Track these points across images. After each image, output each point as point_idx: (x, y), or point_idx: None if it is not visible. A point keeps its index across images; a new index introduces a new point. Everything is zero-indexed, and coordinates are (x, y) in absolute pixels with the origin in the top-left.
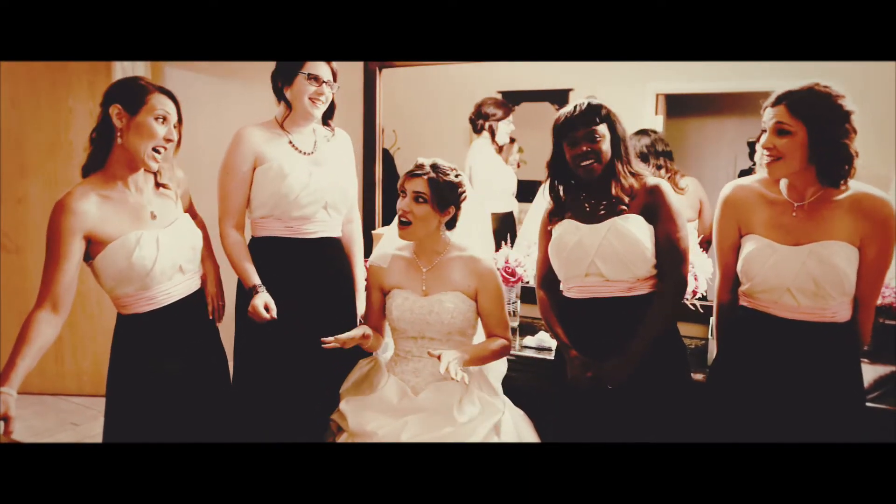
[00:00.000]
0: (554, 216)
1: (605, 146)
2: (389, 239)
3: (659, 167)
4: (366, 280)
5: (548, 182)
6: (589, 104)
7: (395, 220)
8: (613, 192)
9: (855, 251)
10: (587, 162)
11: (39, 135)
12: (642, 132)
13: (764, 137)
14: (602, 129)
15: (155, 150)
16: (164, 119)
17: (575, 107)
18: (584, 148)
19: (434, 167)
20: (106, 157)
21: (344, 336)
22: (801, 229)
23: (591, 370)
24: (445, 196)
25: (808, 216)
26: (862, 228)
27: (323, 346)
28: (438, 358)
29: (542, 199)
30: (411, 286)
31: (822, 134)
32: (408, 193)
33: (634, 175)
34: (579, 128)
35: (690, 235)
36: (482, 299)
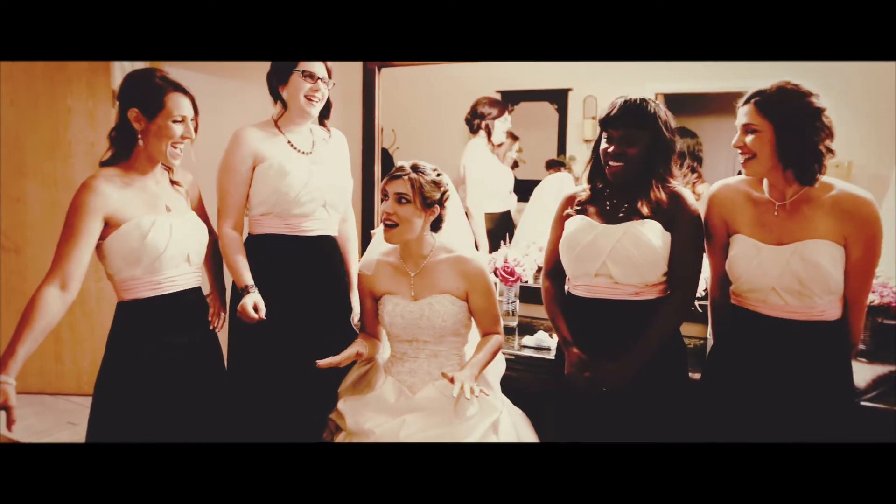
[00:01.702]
0: (580, 205)
1: (640, 152)
2: (376, 244)
3: (693, 170)
4: (357, 287)
5: (589, 167)
6: (638, 102)
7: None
8: (641, 207)
9: (840, 250)
10: (615, 163)
11: (38, 134)
12: (683, 131)
13: (736, 136)
14: (642, 133)
15: (174, 145)
16: (182, 120)
17: (625, 101)
18: (616, 149)
19: (414, 168)
20: (129, 153)
21: (338, 357)
22: (783, 228)
23: (589, 370)
24: (428, 195)
25: (790, 215)
26: (845, 228)
27: (318, 366)
28: (451, 380)
29: (537, 199)
30: (400, 291)
31: (788, 131)
32: (390, 196)
33: (667, 189)
34: (618, 125)
35: None
36: (474, 299)
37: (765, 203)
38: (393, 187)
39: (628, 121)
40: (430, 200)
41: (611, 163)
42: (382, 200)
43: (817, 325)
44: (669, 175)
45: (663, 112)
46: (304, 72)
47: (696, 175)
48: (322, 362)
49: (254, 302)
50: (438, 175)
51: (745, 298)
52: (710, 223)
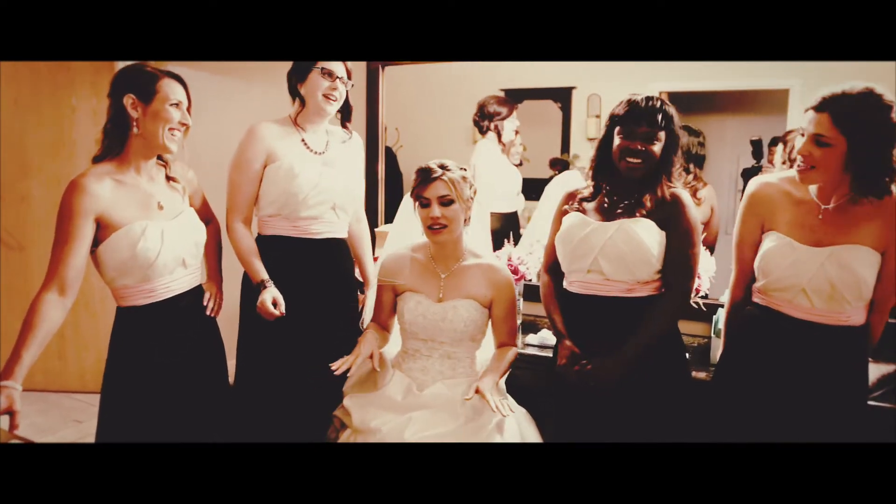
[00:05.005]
0: (580, 201)
1: (658, 151)
2: (397, 238)
3: (687, 171)
4: (378, 279)
5: (592, 166)
6: (662, 102)
7: (399, 220)
8: (646, 201)
9: (877, 256)
10: (635, 160)
11: (42, 133)
12: (685, 129)
13: (799, 141)
14: (662, 134)
15: (171, 130)
16: (178, 104)
17: (647, 99)
18: (639, 146)
19: (443, 167)
20: (122, 146)
21: (350, 357)
22: (824, 231)
23: (579, 365)
24: (464, 191)
25: (834, 218)
26: (889, 234)
27: (334, 372)
28: (477, 391)
29: (546, 199)
30: (427, 290)
31: (863, 148)
32: (432, 200)
33: (671, 188)
34: (642, 123)
35: None
36: (497, 309)
37: (808, 203)
38: (433, 191)
39: (653, 119)
40: (466, 196)
41: (630, 160)
42: (423, 206)
43: (841, 329)
44: (672, 177)
45: (673, 110)
46: (323, 69)
47: (692, 175)
48: (336, 365)
49: (272, 297)
50: (463, 170)
51: (770, 297)
52: (745, 221)
